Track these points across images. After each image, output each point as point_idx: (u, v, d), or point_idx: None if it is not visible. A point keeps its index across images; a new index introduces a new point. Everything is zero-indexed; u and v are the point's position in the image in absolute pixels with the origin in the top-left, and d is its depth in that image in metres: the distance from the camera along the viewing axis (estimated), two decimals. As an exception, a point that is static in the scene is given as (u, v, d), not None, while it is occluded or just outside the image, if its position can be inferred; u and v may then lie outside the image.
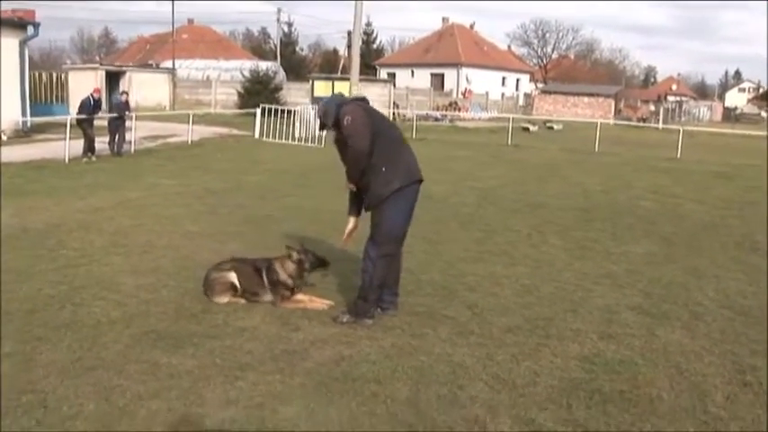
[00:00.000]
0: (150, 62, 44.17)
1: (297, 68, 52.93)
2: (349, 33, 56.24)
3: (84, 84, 26.09)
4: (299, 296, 5.23)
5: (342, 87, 29.28)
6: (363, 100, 4.93)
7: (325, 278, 5.61)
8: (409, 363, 4.13)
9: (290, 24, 63.67)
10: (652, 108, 55.29)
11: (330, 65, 59.24)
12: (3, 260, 6.25)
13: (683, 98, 68.39)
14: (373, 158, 4.66)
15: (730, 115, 62.82)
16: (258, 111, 21.50)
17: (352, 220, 5.07)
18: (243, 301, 5.23)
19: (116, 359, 4.13)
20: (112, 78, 28.18)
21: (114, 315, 4.91)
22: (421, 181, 4.87)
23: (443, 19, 60.15)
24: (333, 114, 4.75)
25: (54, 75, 26.74)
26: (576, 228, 8.82)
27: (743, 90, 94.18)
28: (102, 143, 15.57)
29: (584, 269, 6.65)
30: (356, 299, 4.87)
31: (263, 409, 3.49)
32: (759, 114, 64.78)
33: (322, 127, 4.97)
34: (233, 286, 5.24)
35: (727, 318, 5.26)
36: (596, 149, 21.08)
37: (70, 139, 14.53)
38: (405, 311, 5.06)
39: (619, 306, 5.49)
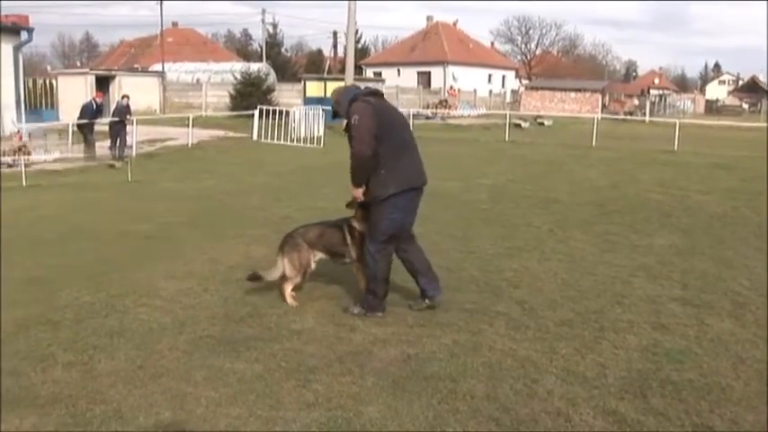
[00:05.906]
0: (136, 66, 43.76)
1: (283, 69, 52.60)
2: (335, 34, 56.27)
3: (74, 89, 25.81)
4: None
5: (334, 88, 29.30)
6: (377, 94, 4.88)
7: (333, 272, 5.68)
8: (477, 359, 4.14)
9: (275, 25, 63.44)
10: (636, 102, 55.75)
11: (316, 65, 59.00)
12: (28, 266, 6.23)
13: (666, 91, 68.92)
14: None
15: (713, 107, 63.55)
16: (256, 112, 21.39)
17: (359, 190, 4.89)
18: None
19: (179, 366, 4.08)
20: (102, 83, 27.84)
21: (164, 321, 4.85)
22: (420, 187, 4.87)
23: (428, 18, 60.27)
24: (345, 106, 4.80)
25: (44, 81, 26.39)
26: (596, 222, 8.87)
27: (723, 82, 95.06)
28: (101, 148, 15.43)
29: (616, 262, 6.69)
30: (365, 294, 4.96)
31: (346, 411, 3.47)
32: (740, 106, 65.55)
33: (335, 115, 5.05)
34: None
35: (770, 306, 5.31)
36: (593, 144, 21.21)
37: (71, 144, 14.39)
38: (456, 308, 5.06)
39: (661, 297, 5.53)
